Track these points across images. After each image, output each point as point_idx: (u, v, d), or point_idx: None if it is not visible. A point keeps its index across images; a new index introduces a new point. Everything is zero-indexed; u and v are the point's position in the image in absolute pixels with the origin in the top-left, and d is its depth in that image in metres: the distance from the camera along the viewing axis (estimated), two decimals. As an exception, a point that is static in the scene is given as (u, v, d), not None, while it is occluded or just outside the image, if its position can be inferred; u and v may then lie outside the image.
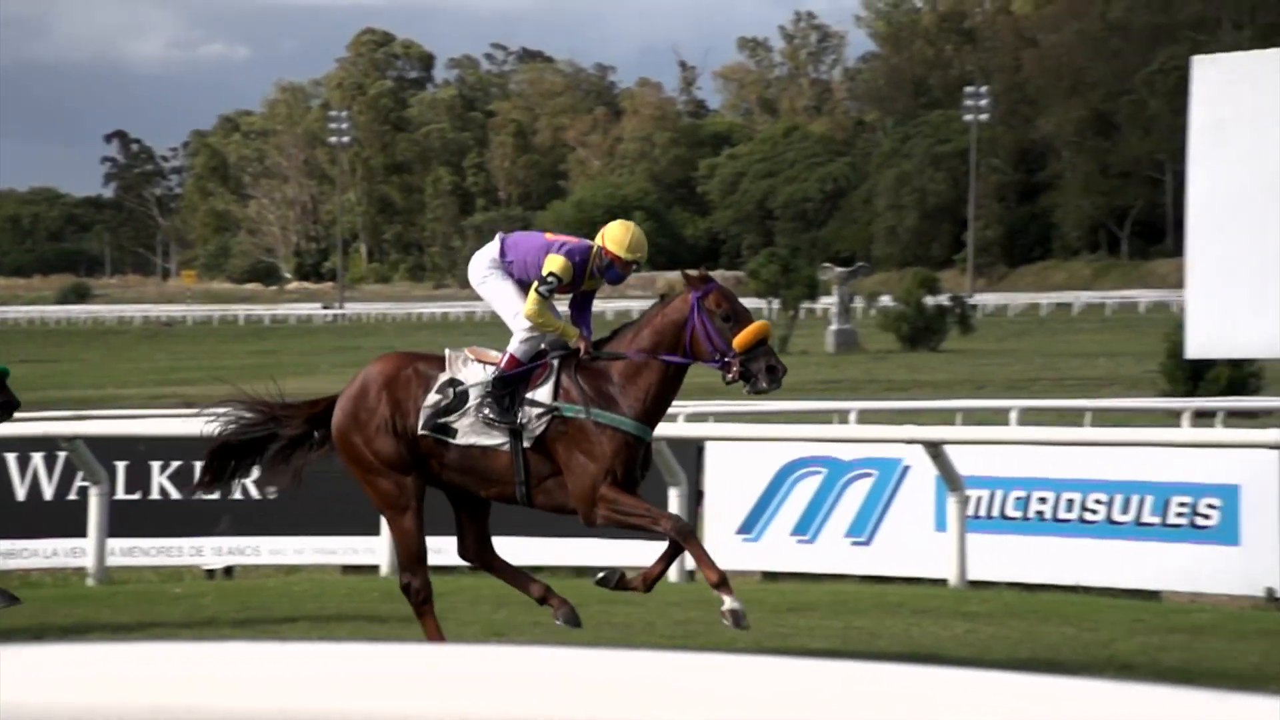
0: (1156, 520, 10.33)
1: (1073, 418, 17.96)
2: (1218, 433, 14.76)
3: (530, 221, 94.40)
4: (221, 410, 7.32)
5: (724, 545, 11.30)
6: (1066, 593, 9.98)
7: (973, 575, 10.26)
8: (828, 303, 50.11)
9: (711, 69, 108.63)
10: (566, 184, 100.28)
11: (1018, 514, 10.75)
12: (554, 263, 7.00)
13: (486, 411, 6.87)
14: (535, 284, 6.99)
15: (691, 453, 11.37)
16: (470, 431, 6.91)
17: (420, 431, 6.95)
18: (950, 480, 10.38)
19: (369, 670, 1.88)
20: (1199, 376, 22.70)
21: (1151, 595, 10.14)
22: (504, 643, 6.25)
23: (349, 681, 1.89)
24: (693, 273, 7.24)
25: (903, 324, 45.80)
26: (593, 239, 7.21)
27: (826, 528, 11.23)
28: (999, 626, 8.26)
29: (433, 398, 6.97)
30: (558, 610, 6.90)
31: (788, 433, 13.17)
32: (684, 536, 6.90)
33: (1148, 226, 76.50)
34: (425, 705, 1.86)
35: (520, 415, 6.87)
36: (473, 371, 7.01)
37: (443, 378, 7.02)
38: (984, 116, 74.47)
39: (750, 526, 11.37)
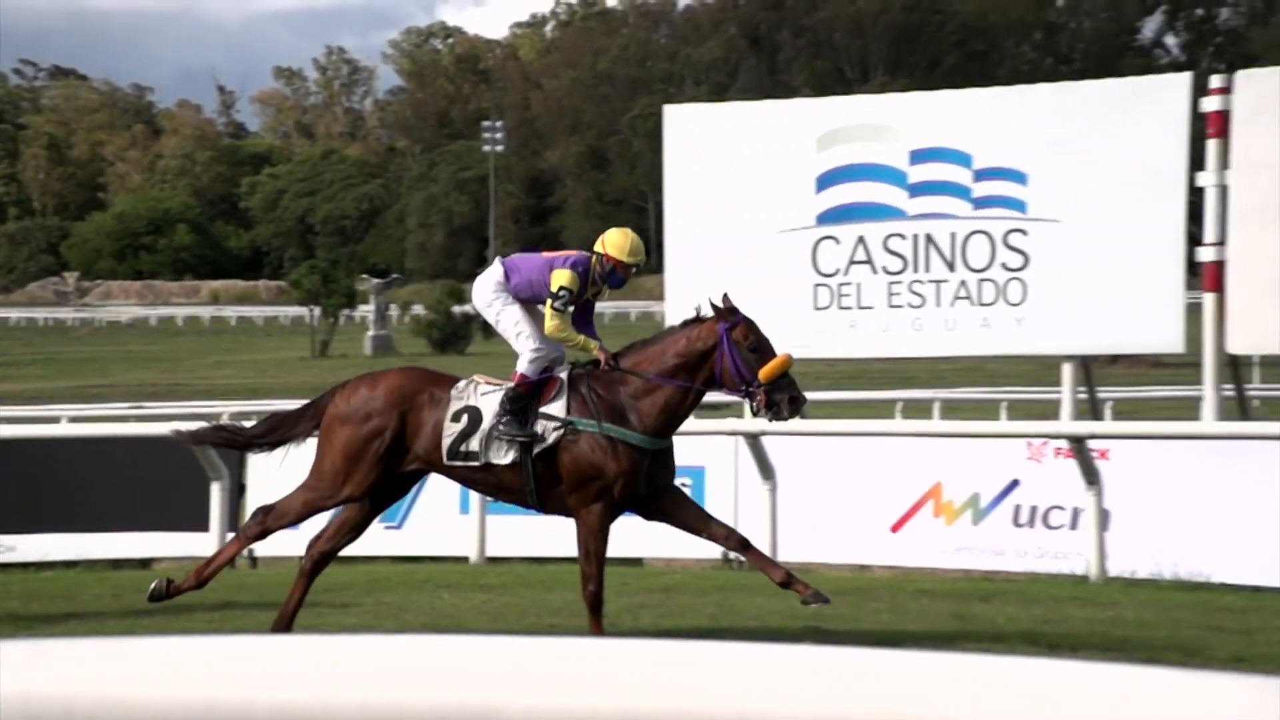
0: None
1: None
2: (688, 422, 15.63)
3: (68, 230, 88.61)
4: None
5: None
6: (569, 563, 10.41)
7: (491, 552, 10.52)
8: (365, 310, 49.69)
9: (249, 94, 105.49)
10: (106, 196, 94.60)
11: (529, 496, 11.11)
12: (562, 277, 6.65)
13: (503, 428, 6.53)
14: (550, 301, 6.65)
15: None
16: (489, 451, 6.59)
17: (447, 462, 6.63)
18: (468, 469, 10.63)
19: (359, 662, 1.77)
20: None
21: (636, 562, 10.73)
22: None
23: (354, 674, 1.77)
24: (720, 303, 6.71)
25: (433, 330, 46.00)
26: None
27: (362, 515, 11.26)
28: (511, 595, 8.51)
29: (452, 427, 6.62)
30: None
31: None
32: (592, 608, 6.73)
33: (639, 247, 79.66)
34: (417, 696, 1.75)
35: (536, 428, 6.55)
36: (485, 394, 6.68)
37: (455, 406, 6.66)
38: (499, 148, 75.90)
39: (293, 517, 11.25)
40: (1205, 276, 10.15)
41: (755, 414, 6.64)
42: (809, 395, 13.39)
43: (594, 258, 6.76)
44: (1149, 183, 10.18)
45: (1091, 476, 9.33)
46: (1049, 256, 10.49)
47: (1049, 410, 11.79)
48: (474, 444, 6.57)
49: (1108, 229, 10.29)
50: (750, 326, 6.62)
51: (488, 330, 47.31)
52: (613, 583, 8.90)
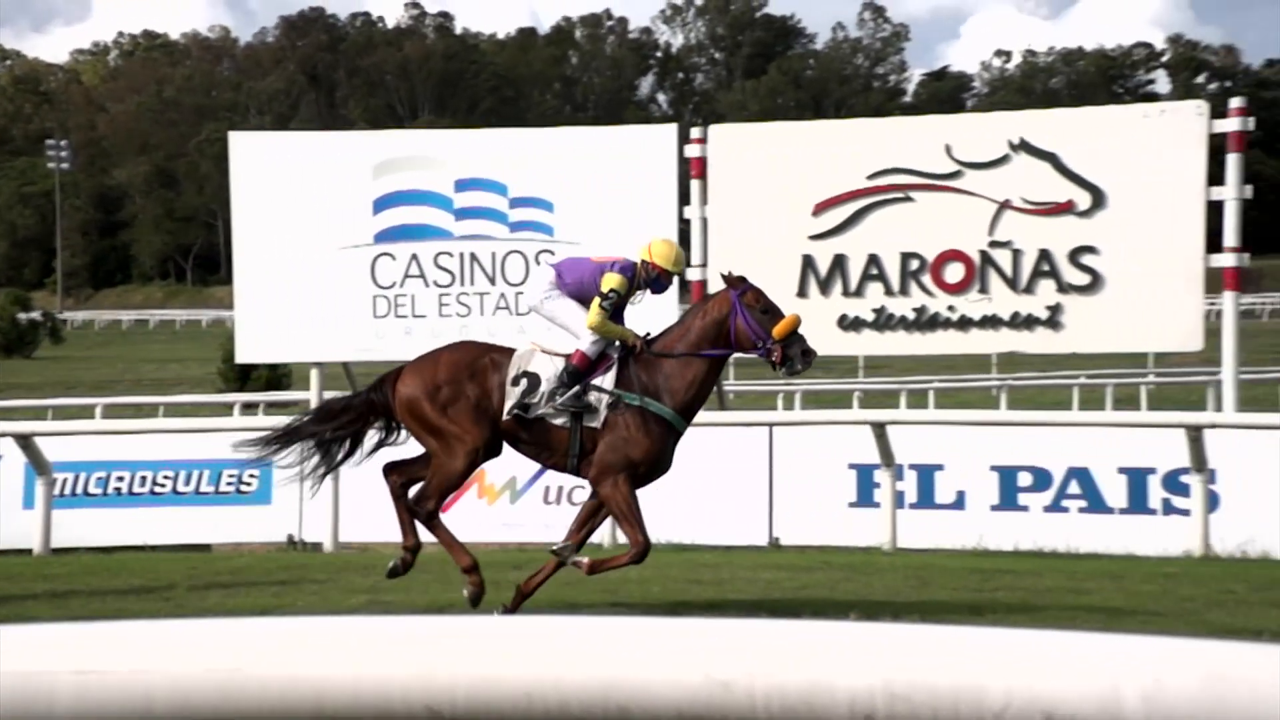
0: (211, 489, 10.44)
1: (149, 411, 17.49)
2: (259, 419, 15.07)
3: None
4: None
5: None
6: (137, 551, 9.81)
7: (57, 543, 9.74)
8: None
9: None
10: None
11: (99, 491, 10.41)
12: (613, 280, 6.42)
13: (559, 395, 6.23)
14: (598, 300, 6.38)
15: None
16: (544, 413, 6.26)
17: (505, 416, 6.27)
18: (39, 466, 9.79)
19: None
20: (246, 376, 23.16)
21: (204, 548, 10.24)
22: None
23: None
24: (730, 275, 6.47)
25: (-4, 335, 42.00)
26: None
27: (-82, 515, 10.15)
28: (74, 584, 7.89)
29: (513, 390, 6.29)
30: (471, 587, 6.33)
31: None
32: (636, 558, 6.25)
33: (207, 260, 76.26)
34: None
35: (589, 400, 6.26)
36: (542, 363, 6.35)
37: (515, 369, 6.33)
38: (65, 165, 70.21)
39: None
40: (693, 293, 10.80)
41: (774, 369, 6.45)
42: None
43: (639, 265, 6.56)
44: (648, 213, 10.67)
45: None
46: (571, 274, 10.87)
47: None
48: (531, 399, 6.29)
49: (619, 252, 10.75)
50: (759, 292, 6.45)
51: (55, 335, 43.73)
52: (182, 567, 8.45)
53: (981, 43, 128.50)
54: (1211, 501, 8.80)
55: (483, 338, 11.46)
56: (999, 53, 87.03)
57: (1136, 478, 9.28)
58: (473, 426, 6.29)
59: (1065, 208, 9.70)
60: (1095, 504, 9.33)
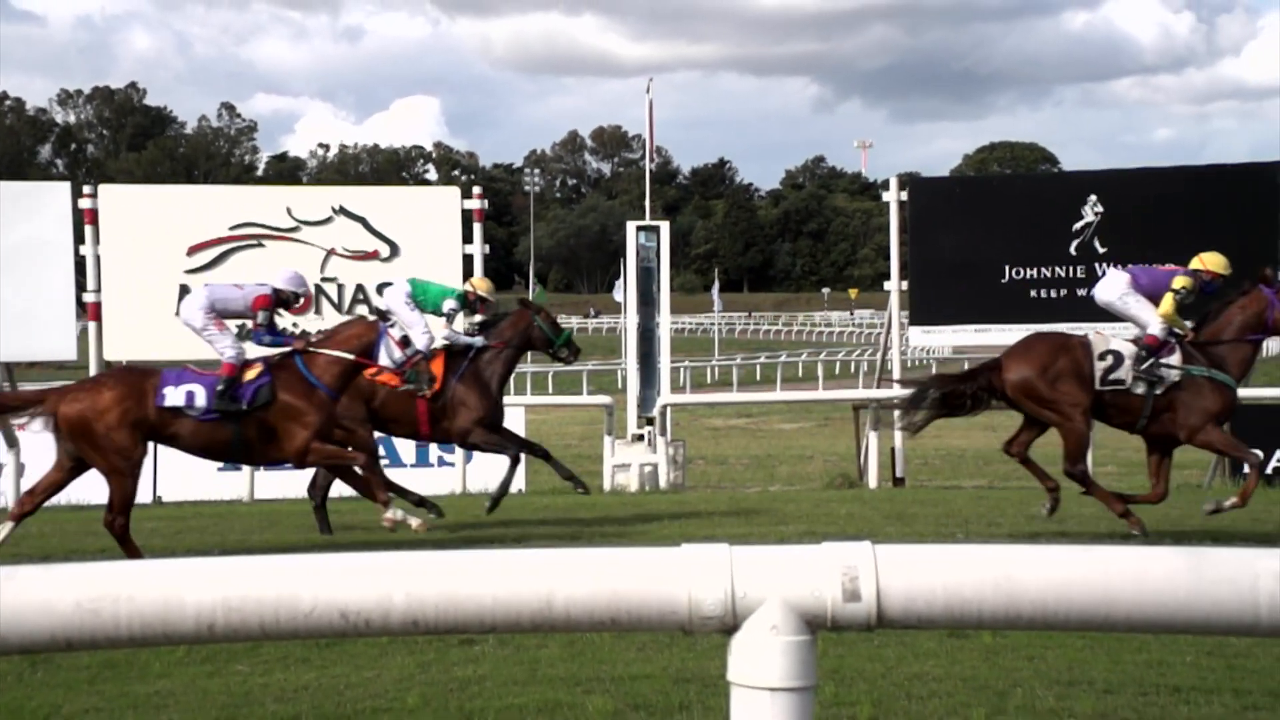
0: None
1: None
2: None
3: None
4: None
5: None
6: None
7: None
8: None
9: None
10: None
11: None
12: (1183, 280, 5.84)
13: (1144, 369, 5.64)
14: (1171, 295, 5.78)
15: None
16: (1131, 384, 5.63)
17: (1098, 388, 5.65)
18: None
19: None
20: None
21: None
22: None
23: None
24: (1267, 273, 5.96)
25: None
26: None
27: None
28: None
29: (1100, 365, 5.67)
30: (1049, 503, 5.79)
31: None
32: (1256, 466, 5.85)
33: None
34: None
35: (1162, 373, 5.65)
36: (1120, 345, 5.72)
37: (1100, 349, 5.70)
38: None
39: None
40: (90, 311, 9.59)
41: None
42: None
43: (1195, 272, 5.94)
44: (46, 248, 9.24)
45: (12, 442, 8.31)
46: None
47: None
48: (1120, 374, 5.73)
49: (24, 281, 9.26)
50: None
51: None
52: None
53: (310, 136, 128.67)
54: (467, 456, 9.41)
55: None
56: (321, 144, 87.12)
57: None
58: (1080, 392, 5.69)
59: (373, 255, 9.89)
60: (395, 461, 9.63)
